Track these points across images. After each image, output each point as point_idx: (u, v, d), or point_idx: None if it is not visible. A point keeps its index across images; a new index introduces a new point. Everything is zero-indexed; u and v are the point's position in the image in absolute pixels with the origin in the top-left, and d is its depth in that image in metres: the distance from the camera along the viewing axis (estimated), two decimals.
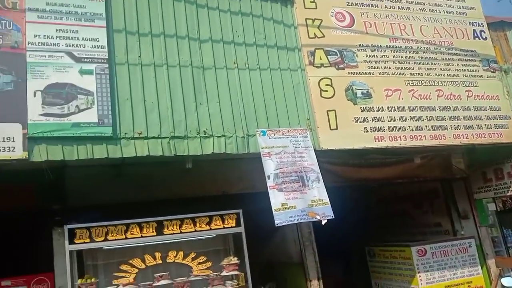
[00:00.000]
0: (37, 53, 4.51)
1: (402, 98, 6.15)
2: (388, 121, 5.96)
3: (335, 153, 5.94)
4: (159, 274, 5.04)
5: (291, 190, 5.15)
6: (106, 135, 4.60)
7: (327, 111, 5.70)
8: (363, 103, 5.92)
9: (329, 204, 5.22)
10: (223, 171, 6.01)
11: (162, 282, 5.01)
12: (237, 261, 5.31)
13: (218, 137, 5.11)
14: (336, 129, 5.67)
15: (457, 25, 6.96)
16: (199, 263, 5.36)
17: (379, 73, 6.17)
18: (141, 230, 5.08)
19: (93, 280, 4.87)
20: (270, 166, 5.17)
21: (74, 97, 4.55)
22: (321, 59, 5.87)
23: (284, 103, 5.55)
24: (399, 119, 6.04)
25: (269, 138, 5.33)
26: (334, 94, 5.79)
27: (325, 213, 5.18)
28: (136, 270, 5.13)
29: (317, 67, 5.83)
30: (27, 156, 4.27)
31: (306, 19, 5.95)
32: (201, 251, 5.47)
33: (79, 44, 4.68)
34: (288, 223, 5.05)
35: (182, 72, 5.11)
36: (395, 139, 5.93)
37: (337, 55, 5.98)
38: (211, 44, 5.33)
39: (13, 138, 4.25)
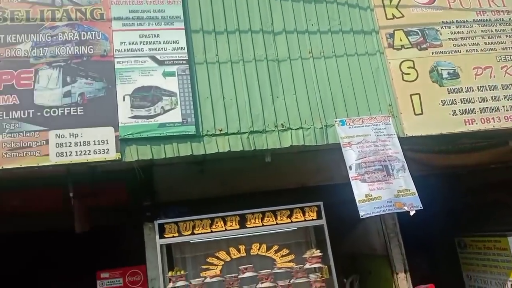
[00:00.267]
0: (124, 59, 4.80)
1: (494, 76, 5.63)
2: (479, 102, 5.49)
3: (419, 139, 5.58)
4: (244, 266, 5.13)
5: (375, 180, 4.97)
6: (189, 133, 4.78)
7: (411, 95, 5.38)
8: (450, 84, 5.50)
9: (417, 194, 4.97)
10: (301, 163, 5.94)
11: (247, 274, 5.09)
12: (320, 254, 5.23)
13: (296, 129, 5.06)
14: (421, 114, 5.34)
15: None
16: (282, 256, 5.36)
17: (467, 51, 5.69)
18: (225, 223, 5.20)
19: (182, 272, 5.07)
20: (351, 156, 5.02)
21: (159, 98, 4.76)
22: (401, 40, 5.55)
23: (363, 90, 5.33)
24: (492, 99, 5.53)
25: (349, 127, 5.16)
26: (417, 76, 5.45)
27: (413, 203, 4.94)
28: (222, 263, 5.26)
29: (397, 49, 5.53)
30: (120, 157, 4.57)
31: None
32: (283, 243, 5.48)
33: (160, 47, 4.90)
34: (373, 215, 4.89)
35: (257, 67, 5.12)
36: (488, 121, 5.45)
37: (418, 34, 5.61)
38: (285, 36, 5.27)
39: (107, 140, 4.57)
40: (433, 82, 5.48)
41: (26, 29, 4.71)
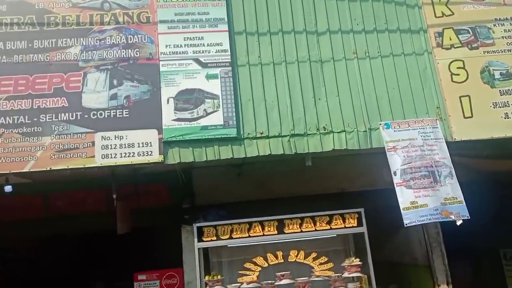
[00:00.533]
0: (169, 62, 4.84)
1: None
2: None
3: (468, 144, 5.31)
4: (281, 273, 5.06)
5: (421, 187, 4.78)
6: (231, 136, 4.77)
7: (460, 97, 5.13)
8: (503, 85, 5.21)
9: (464, 202, 4.75)
10: (342, 168, 5.83)
11: (284, 281, 5.01)
12: (360, 263, 5.10)
13: (338, 132, 4.94)
14: (471, 117, 5.08)
15: None
16: (321, 264, 5.27)
17: None
18: (263, 228, 5.14)
19: (219, 277, 5.06)
20: (396, 161, 4.85)
21: (202, 101, 4.78)
22: (450, 39, 5.30)
23: (410, 92, 5.14)
24: None
25: (394, 131, 4.99)
26: (467, 77, 5.19)
27: (460, 212, 4.73)
28: (259, 269, 5.23)
29: (447, 48, 5.28)
30: (162, 159, 4.62)
31: None
32: (321, 250, 5.38)
33: (204, 50, 4.91)
34: (419, 223, 4.72)
35: (300, 68, 5.04)
36: None
37: (469, 33, 5.34)
38: (329, 36, 5.16)
39: (151, 143, 4.63)
40: (484, 83, 5.20)
41: (76, 33, 4.85)
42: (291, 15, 5.18)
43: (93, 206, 5.85)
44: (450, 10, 5.40)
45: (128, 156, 4.53)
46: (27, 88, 4.63)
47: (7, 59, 4.70)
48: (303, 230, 5.14)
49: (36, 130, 4.50)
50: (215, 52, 4.92)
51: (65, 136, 4.51)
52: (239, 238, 5.08)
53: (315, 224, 5.16)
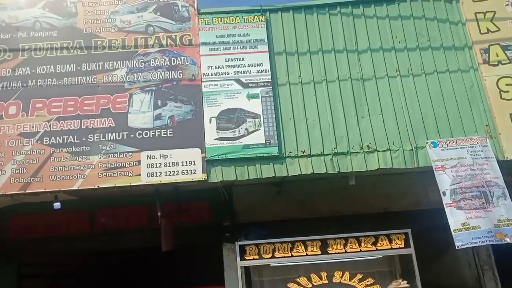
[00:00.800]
0: (211, 82, 4.95)
1: None
2: None
3: None
4: None
5: (472, 207, 4.58)
6: (272, 155, 4.76)
7: (510, 114, 4.92)
8: None
9: None
10: (385, 187, 5.69)
11: None
12: (407, 285, 4.90)
13: (383, 151, 4.83)
14: None
15: None
16: (367, 286, 5.08)
17: None
18: (305, 248, 5.04)
19: None
20: (445, 181, 4.68)
21: (243, 120, 4.82)
22: (497, 55, 5.14)
23: (457, 109, 4.98)
24: None
25: (442, 149, 4.82)
26: None
27: None
28: None
29: (494, 65, 5.11)
30: (206, 178, 4.66)
31: (475, 13, 5.30)
32: (366, 272, 5.19)
33: (245, 70, 4.99)
34: (471, 246, 4.51)
35: (341, 86, 5.02)
36: None
37: None
38: (370, 54, 5.13)
39: (194, 161, 4.69)
40: None
41: (122, 56, 5.04)
42: (331, 34, 5.20)
43: (136, 222, 5.95)
44: (496, 26, 5.25)
45: (173, 175, 4.61)
46: (76, 109, 4.84)
47: (57, 82, 4.94)
48: (348, 250, 4.99)
49: (84, 150, 4.67)
50: (256, 72, 4.98)
51: (112, 155, 4.65)
52: (282, 257, 4.99)
53: (360, 245, 5.01)
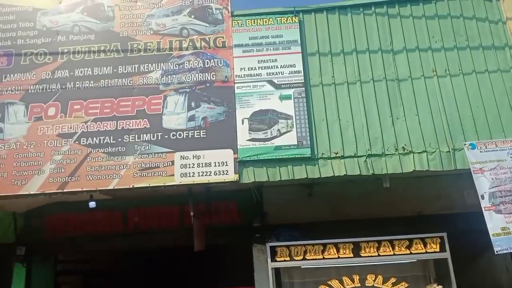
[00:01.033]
0: (243, 84, 4.98)
1: None
2: None
3: None
4: None
5: None
6: (305, 156, 4.73)
7: None
8: None
9: None
10: (418, 189, 5.55)
11: None
12: None
13: (418, 153, 4.72)
14: None
15: None
16: None
17: None
18: (337, 250, 4.98)
19: None
20: (483, 184, 4.53)
21: (276, 121, 4.82)
22: None
23: (496, 110, 4.83)
24: None
25: (480, 151, 4.67)
26: None
27: None
28: None
29: None
30: (238, 179, 4.68)
31: None
32: (400, 275, 5.08)
33: (278, 71, 4.99)
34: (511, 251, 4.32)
35: (376, 87, 4.94)
36: None
37: None
38: (406, 54, 5.04)
39: (226, 162, 4.72)
40: None
41: (157, 59, 5.13)
42: (365, 35, 5.14)
43: (168, 222, 6.03)
44: None
45: (205, 175, 4.65)
46: (112, 110, 4.95)
47: (95, 84, 5.07)
48: (381, 254, 4.90)
49: (120, 150, 4.78)
50: (288, 74, 4.97)
51: (147, 155, 4.74)
52: (313, 259, 4.95)
53: (393, 248, 4.90)
